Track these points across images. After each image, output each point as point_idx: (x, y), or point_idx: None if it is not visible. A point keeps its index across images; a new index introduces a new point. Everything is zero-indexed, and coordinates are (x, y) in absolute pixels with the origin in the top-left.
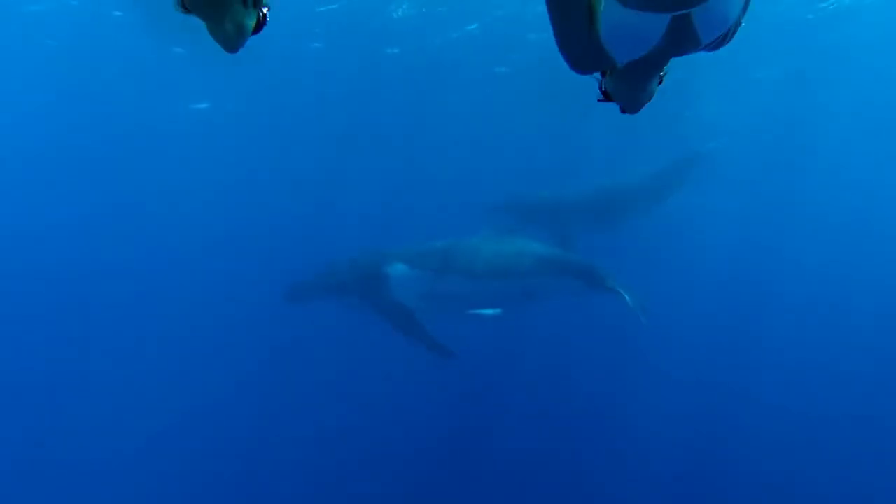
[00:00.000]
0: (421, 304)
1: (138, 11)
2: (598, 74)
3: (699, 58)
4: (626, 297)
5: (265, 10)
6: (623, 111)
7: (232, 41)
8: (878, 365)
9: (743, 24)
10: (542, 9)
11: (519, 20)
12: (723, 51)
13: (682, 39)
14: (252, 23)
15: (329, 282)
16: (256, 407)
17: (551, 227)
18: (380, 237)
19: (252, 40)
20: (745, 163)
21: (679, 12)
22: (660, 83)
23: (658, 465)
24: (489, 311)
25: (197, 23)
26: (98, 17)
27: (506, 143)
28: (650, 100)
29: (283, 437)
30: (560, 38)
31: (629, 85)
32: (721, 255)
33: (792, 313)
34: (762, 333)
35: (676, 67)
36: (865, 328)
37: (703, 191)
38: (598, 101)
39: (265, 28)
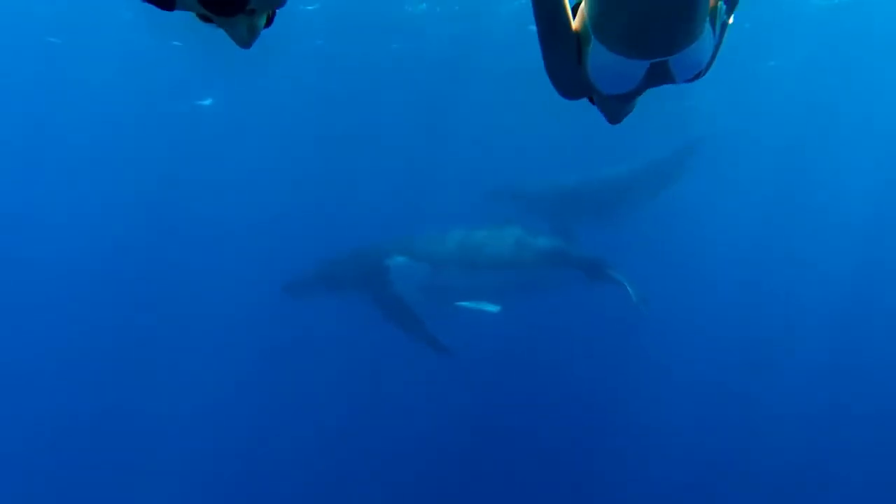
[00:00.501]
0: (422, 295)
1: (141, 9)
2: None
3: None
4: (628, 287)
5: (273, 13)
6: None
7: (245, 40)
8: (883, 358)
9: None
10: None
11: (524, 13)
12: (724, 43)
13: (659, 78)
14: (263, 22)
15: (330, 275)
16: (257, 405)
17: (551, 217)
18: (381, 230)
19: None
20: (746, 153)
21: (657, 60)
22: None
23: (659, 461)
24: (489, 309)
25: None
26: (105, 16)
27: (504, 135)
28: (630, 112)
29: (284, 436)
30: (550, 70)
31: (612, 105)
32: (722, 246)
33: (793, 306)
34: (763, 326)
35: None
36: (866, 320)
37: (704, 181)
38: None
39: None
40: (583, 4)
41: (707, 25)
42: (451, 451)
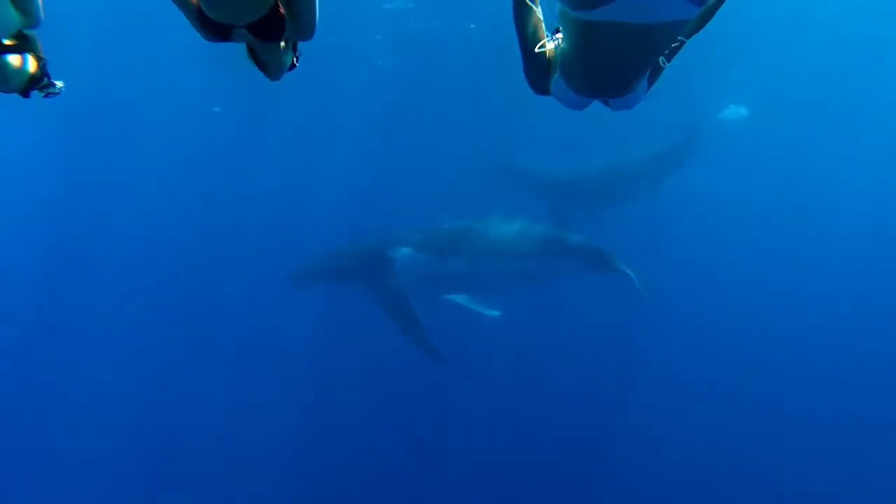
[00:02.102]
0: (425, 286)
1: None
2: None
3: (699, 48)
4: (633, 277)
5: (298, 56)
6: None
7: (275, 75)
8: (887, 357)
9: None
10: None
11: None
12: (720, 34)
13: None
14: (289, 60)
15: (334, 266)
16: (249, 405)
17: (549, 203)
18: (383, 221)
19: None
20: (751, 143)
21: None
22: None
23: (660, 461)
24: (490, 313)
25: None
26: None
27: (502, 120)
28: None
29: (277, 433)
30: (526, 74)
31: None
32: (725, 239)
33: (799, 302)
34: (767, 323)
35: (680, 56)
36: (871, 318)
37: (705, 172)
38: None
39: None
40: (560, 38)
41: (644, 82)
42: (449, 451)
